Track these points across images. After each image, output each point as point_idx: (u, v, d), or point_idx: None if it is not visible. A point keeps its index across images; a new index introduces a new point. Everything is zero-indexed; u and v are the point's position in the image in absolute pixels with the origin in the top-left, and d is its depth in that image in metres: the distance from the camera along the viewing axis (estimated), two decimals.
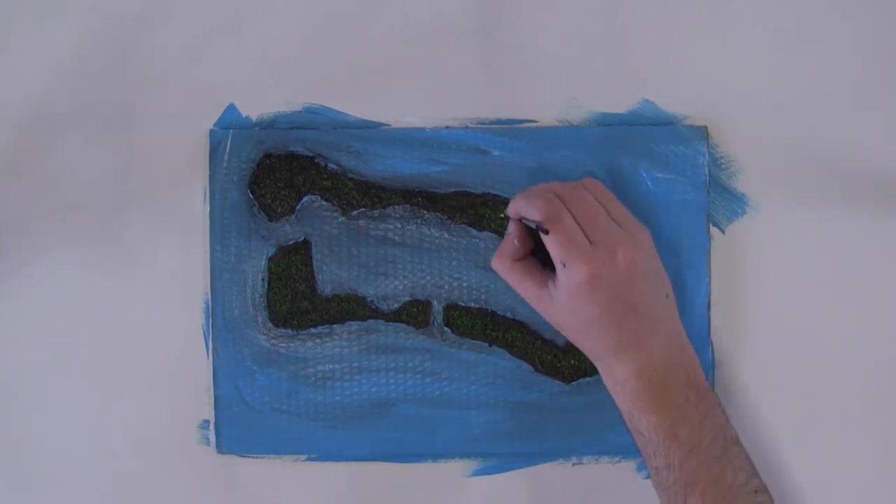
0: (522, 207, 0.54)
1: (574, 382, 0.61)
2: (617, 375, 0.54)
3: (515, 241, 0.56)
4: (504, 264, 0.56)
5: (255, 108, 0.61)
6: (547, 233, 0.52)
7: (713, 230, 0.61)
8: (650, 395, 0.53)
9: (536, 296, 0.55)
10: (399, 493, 0.61)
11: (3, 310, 0.61)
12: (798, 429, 0.61)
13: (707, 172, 0.60)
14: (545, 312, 0.55)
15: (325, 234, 0.61)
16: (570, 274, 0.52)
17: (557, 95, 0.61)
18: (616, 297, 0.53)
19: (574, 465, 0.61)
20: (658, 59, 0.61)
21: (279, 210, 0.61)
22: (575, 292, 0.53)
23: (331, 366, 0.61)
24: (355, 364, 0.61)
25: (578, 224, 0.53)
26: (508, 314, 0.61)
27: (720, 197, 0.61)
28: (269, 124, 0.61)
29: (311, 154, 0.61)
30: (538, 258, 0.56)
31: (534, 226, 0.54)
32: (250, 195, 0.61)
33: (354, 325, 0.61)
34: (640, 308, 0.53)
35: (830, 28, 0.61)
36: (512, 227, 0.56)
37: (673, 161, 0.60)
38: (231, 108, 0.61)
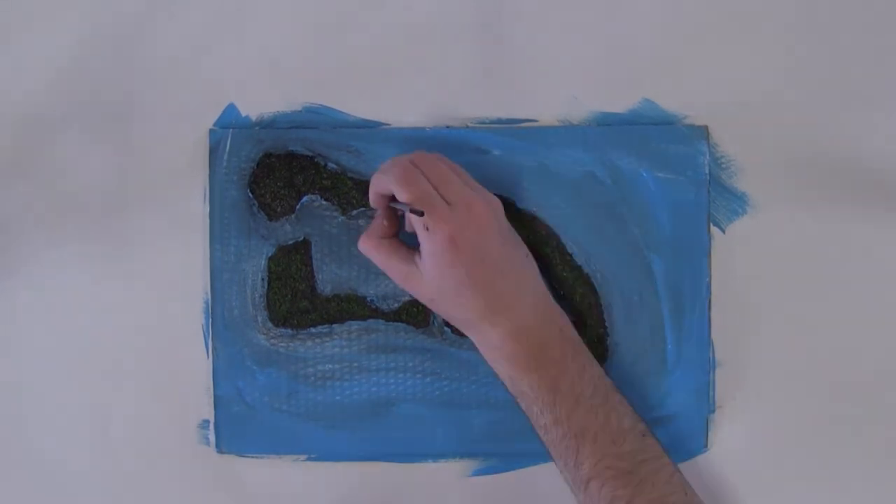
0: (382, 182, 0.55)
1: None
2: (492, 340, 0.55)
3: (384, 221, 0.57)
4: (370, 243, 0.56)
5: (254, 108, 0.61)
6: (421, 214, 0.53)
7: (714, 230, 0.61)
8: (529, 355, 0.54)
9: (404, 272, 0.55)
10: (399, 493, 0.61)
11: (2, 309, 0.61)
12: (798, 428, 0.61)
13: (707, 172, 0.60)
14: (415, 289, 0.56)
15: (324, 234, 0.61)
16: (433, 237, 0.53)
17: (558, 95, 0.61)
18: (480, 258, 0.53)
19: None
20: (659, 59, 0.61)
21: (279, 210, 0.60)
22: (440, 255, 0.53)
23: (331, 366, 0.61)
24: (355, 364, 0.61)
25: (434, 187, 0.54)
26: None
27: (721, 196, 0.61)
28: (268, 124, 0.61)
29: (310, 154, 0.61)
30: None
31: (401, 207, 0.54)
32: (250, 195, 0.61)
33: (354, 325, 0.61)
34: (504, 268, 0.54)
35: (831, 28, 0.61)
36: (380, 207, 0.57)
37: (673, 161, 0.60)
38: (231, 108, 0.61)
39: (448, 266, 0.53)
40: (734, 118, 0.61)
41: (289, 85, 0.61)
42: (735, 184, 0.61)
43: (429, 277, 0.54)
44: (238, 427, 0.61)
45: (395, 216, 0.57)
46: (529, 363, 0.54)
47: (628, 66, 0.61)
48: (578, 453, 0.53)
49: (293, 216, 0.61)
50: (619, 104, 0.61)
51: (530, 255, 0.57)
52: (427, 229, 0.53)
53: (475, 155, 0.60)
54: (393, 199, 0.56)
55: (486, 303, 0.54)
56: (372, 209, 0.58)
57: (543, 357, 0.54)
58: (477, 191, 0.55)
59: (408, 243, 0.57)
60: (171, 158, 0.61)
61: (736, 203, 0.61)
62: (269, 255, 0.61)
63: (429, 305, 0.56)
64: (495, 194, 0.60)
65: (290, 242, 0.61)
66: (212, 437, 0.61)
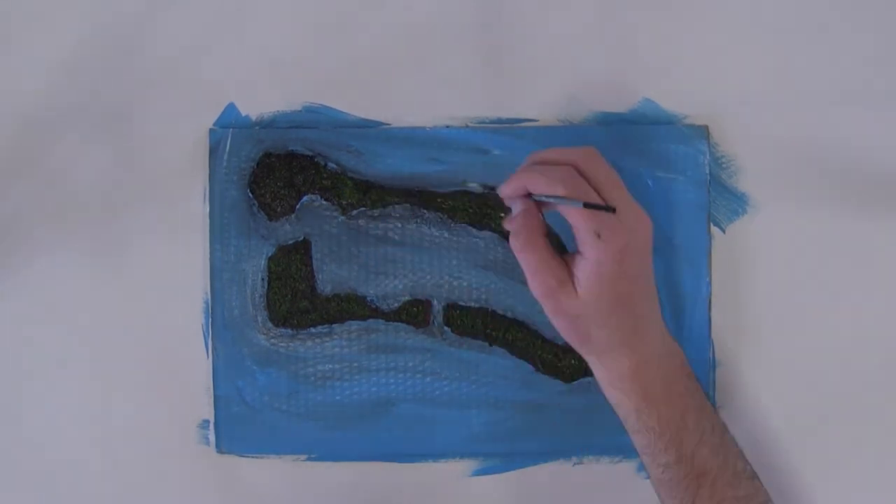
0: (538, 182, 0.50)
1: (574, 382, 0.61)
2: (626, 369, 0.52)
3: (540, 215, 0.51)
4: (533, 243, 0.50)
5: (254, 108, 0.61)
6: (613, 211, 0.48)
7: (714, 229, 0.61)
8: (661, 385, 0.52)
9: (556, 282, 0.50)
10: (399, 493, 0.61)
11: (2, 309, 0.61)
12: (799, 428, 0.61)
13: (708, 172, 0.60)
14: (561, 301, 0.51)
15: (324, 234, 0.61)
16: (605, 245, 0.49)
17: (558, 95, 0.61)
18: (640, 277, 0.51)
19: (574, 465, 0.61)
20: (659, 59, 0.61)
21: (279, 209, 0.60)
22: (608, 266, 0.49)
23: (331, 365, 0.61)
24: (355, 364, 0.61)
25: (597, 192, 0.50)
26: (509, 313, 0.61)
27: (721, 196, 0.61)
28: (268, 123, 0.61)
29: (310, 153, 0.60)
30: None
31: (580, 205, 0.48)
32: (250, 194, 0.60)
33: (354, 325, 0.61)
34: (650, 293, 0.52)
35: (831, 27, 0.61)
36: (523, 205, 0.51)
37: (674, 160, 0.60)
38: (231, 108, 0.61)
39: (612, 279, 0.49)
40: (734, 118, 0.61)
41: (289, 84, 0.61)
42: (735, 184, 0.61)
43: (586, 290, 0.50)
44: (238, 427, 0.61)
45: (540, 213, 0.51)
46: (661, 396, 0.52)
47: (628, 66, 0.61)
48: (697, 496, 0.51)
49: (293, 216, 0.61)
50: (620, 104, 0.61)
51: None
52: (598, 236, 0.49)
53: (475, 154, 0.60)
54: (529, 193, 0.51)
55: (631, 326, 0.51)
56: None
57: (672, 390, 0.52)
58: (637, 205, 0.52)
59: None
60: (171, 158, 0.61)
61: (736, 203, 0.61)
62: (269, 254, 0.61)
63: (566, 323, 0.52)
64: (495, 193, 0.60)
65: (290, 242, 0.61)
66: (212, 437, 0.61)
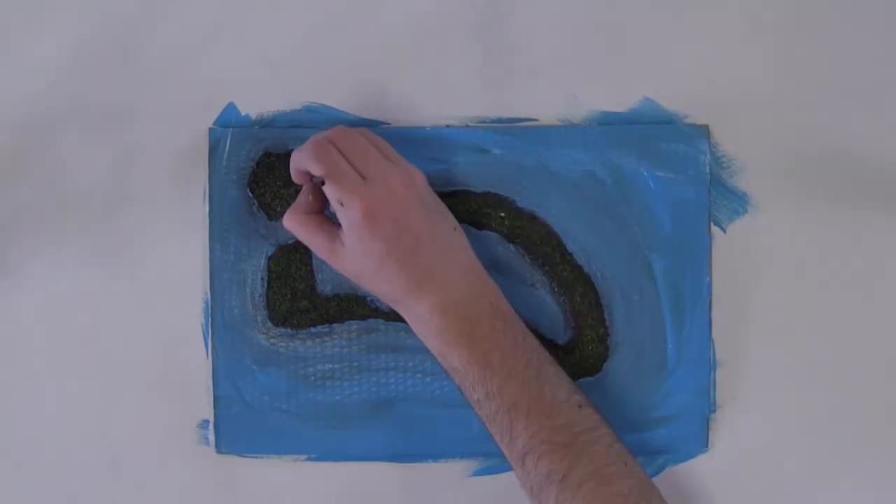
0: (298, 160, 0.55)
1: (575, 382, 0.60)
2: (420, 314, 0.54)
3: (308, 196, 0.57)
4: (295, 218, 0.56)
5: (254, 107, 0.61)
6: (322, 184, 0.54)
7: (714, 229, 0.61)
8: (458, 329, 0.54)
9: (328, 248, 0.55)
10: (399, 493, 0.61)
11: (1, 309, 0.61)
12: (799, 428, 0.61)
13: (708, 171, 0.60)
14: (340, 265, 0.55)
15: None
16: (348, 212, 0.53)
17: (558, 94, 0.61)
18: (399, 231, 0.53)
19: None
20: (659, 58, 0.61)
21: (279, 209, 0.60)
22: (357, 230, 0.53)
23: (331, 365, 0.61)
24: (355, 363, 0.61)
25: (351, 164, 0.54)
26: None
27: (721, 196, 0.61)
28: (268, 123, 0.61)
29: None
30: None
31: (318, 181, 0.55)
32: (250, 194, 0.60)
33: (354, 325, 0.61)
34: (426, 241, 0.54)
35: (832, 27, 0.61)
36: (304, 183, 0.57)
37: (674, 160, 0.60)
38: (230, 107, 0.61)
39: (367, 240, 0.53)
40: (735, 117, 0.60)
41: (289, 84, 0.61)
42: (736, 183, 0.61)
43: (350, 253, 0.54)
44: (238, 427, 0.61)
45: (320, 192, 0.56)
46: (459, 338, 0.54)
47: (629, 65, 0.61)
48: (513, 428, 0.53)
49: None
50: (620, 103, 0.61)
51: (459, 229, 0.57)
52: (342, 204, 0.53)
53: (475, 154, 0.60)
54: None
55: (409, 276, 0.54)
56: None
57: (473, 332, 0.54)
58: (397, 164, 0.55)
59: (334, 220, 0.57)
60: (171, 157, 0.61)
61: (737, 202, 0.61)
62: (269, 254, 0.61)
63: (356, 282, 0.56)
64: (496, 193, 0.60)
65: (290, 242, 0.60)
66: (211, 437, 0.61)
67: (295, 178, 0.57)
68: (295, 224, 0.56)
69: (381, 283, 0.55)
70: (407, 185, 0.54)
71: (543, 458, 0.52)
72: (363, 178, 0.53)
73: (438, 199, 0.57)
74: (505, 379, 0.53)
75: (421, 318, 0.55)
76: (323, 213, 0.57)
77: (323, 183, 0.54)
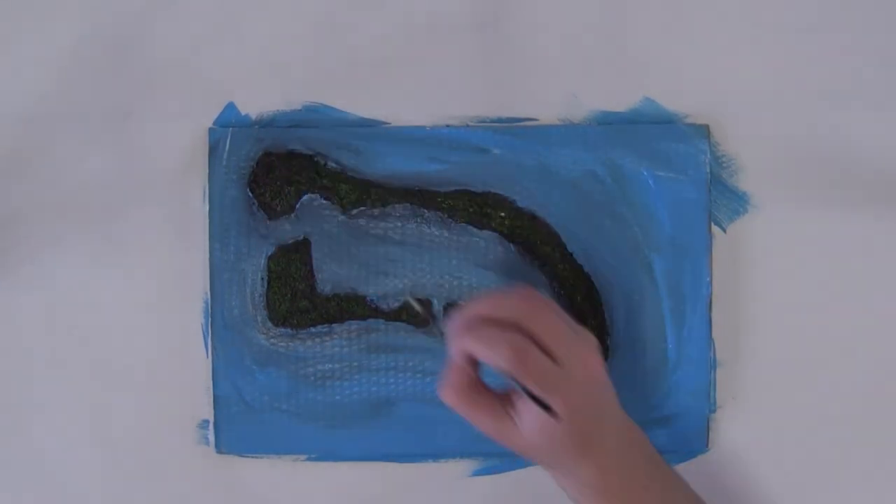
0: (484, 354, 0.50)
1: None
2: (585, 478, 0.52)
3: (466, 367, 0.51)
4: (459, 398, 0.51)
5: (254, 107, 0.61)
6: (546, 409, 0.49)
7: (715, 229, 0.60)
8: (621, 485, 0.52)
9: (496, 428, 0.51)
10: (399, 493, 0.61)
11: (1, 309, 0.61)
12: (800, 428, 0.60)
13: (709, 171, 0.60)
14: (507, 442, 0.52)
15: (324, 233, 0.60)
16: (540, 413, 0.50)
17: (558, 93, 0.60)
18: (592, 416, 0.51)
19: None
20: (660, 57, 0.61)
21: (279, 209, 0.60)
22: (554, 425, 0.50)
23: (331, 365, 0.61)
24: (355, 363, 0.61)
25: (546, 349, 0.50)
26: None
27: (722, 196, 0.60)
28: (268, 122, 0.61)
29: (310, 152, 0.60)
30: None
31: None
32: (249, 194, 0.60)
33: (354, 325, 0.61)
34: (604, 403, 0.52)
35: (833, 26, 0.60)
36: (457, 355, 0.51)
37: (674, 159, 0.60)
38: (230, 107, 0.61)
39: (560, 434, 0.50)
40: (735, 117, 0.60)
41: (288, 83, 0.61)
42: (736, 183, 0.61)
43: (528, 437, 0.50)
44: (238, 427, 0.61)
45: (473, 359, 0.52)
46: (621, 495, 0.52)
47: (629, 65, 0.60)
48: None
49: (293, 215, 0.60)
50: (620, 103, 0.60)
51: (609, 382, 0.54)
52: (546, 408, 0.50)
53: (475, 154, 0.60)
54: None
55: (583, 445, 0.51)
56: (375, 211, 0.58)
57: (633, 486, 0.52)
58: (581, 336, 0.52)
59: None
60: (171, 157, 0.61)
61: (737, 202, 0.61)
62: (269, 254, 0.61)
63: (521, 454, 0.53)
64: (496, 192, 0.60)
65: (290, 241, 0.60)
66: (211, 437, 0.61)
67: (457, 358, 0.51)
68: (459, 403, 0.51)
69: (552, 458, 0.52)
70: (601, 365, 0.51)
71: None
72: (554, 358, 0.49)
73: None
74: None
75: (583, 480, 0.52)
76: (483, 384, 0.52)
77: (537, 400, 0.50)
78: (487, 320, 0.50)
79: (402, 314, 0.60)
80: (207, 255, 0.60)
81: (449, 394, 0.51)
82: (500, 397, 0.52)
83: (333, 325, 0.61)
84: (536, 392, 0.49)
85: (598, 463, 0.52)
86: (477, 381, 0.52)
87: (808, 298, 0.60)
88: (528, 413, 0.50)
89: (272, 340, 0.61)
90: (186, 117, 0.60)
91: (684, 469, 0.60)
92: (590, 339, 0.53)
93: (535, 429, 0.50)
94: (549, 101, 0.60)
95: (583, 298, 0.60)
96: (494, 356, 0.49)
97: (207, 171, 0.60)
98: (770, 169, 0.60)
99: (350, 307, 0.61)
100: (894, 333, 0.60)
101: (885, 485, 0.61)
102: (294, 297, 0.61)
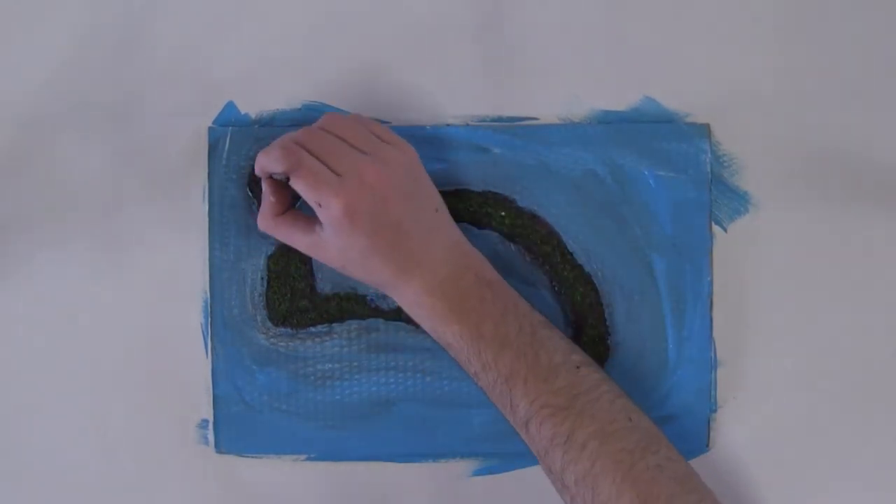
0: (265, 164, 0.54)
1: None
2: (410, 297, 0.55)
3: (272, 198, 0.56)
4: (268, 222, 0.56)
5: (253, 106, 0.61)
6: (287, 180, 0.53)
7: (715, 228, 0.60)
8: (446, 306, 0.54)
9: (308, 242, 0.55)
10: (399, 493, 0.61)
11: (0, 309, 0.61)
12: (800, 428, 0.60)
13: (709, 170, 0.60)
14: (322, 257, 0.55)
15: None
16: (326, 212, 0.53)
17: (559, 93, 0.60)
18: (379, 224, 0.53)
19: None
20: (660, 57, 0.60)
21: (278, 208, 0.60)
22: (338, 227, 0.53)
23: (330, 365, 0.60)
24: (355, 363, 0.60)
25: (322, 161, 0.53)
26: None
27: (722, 195, 0.60)
28: (268, 122, 0.61)
29: None
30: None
31: (281, 178, 0.54)
32: (249, 193, 0.60)
33: (354, 324, 0.60)
34: (407, 227, 0.54)
35: (833, 27, 0.60)
36: (265, 185, 0.56)
37: (675, 159, 0.60)
38: (230, 106, 0.60)
39: (347, 236, 0.53)
40: (736, 116, 0.60)
41: (288, 83, 0.60)
42: (737, 182, 0.60)
43: (332, 247, 0.54)
44: (237, 427, 0.61)
45: (285, 192, 0.56)
46: (450, 314, 0.54)
47: (630, 64, 0.60)
48: (512, 396, 0.53)
49: None
50: (621, 102, 0.60)
51: (442, 206, 0.56)
52: (320, 205, 0.53)
53: (475, 153, 0.60)
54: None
55: (395, 265, 0.54)
56: None
57: (462, 306, 0.54)
58: (376, 151, 0.54)
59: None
60: (170, 157, 0.61)
61: (738, 202, 0.60)
62: (269, 253, 0.60)
63: (341, 272, 0.56)
64: (496, 192, 0.60)
65: None
66: (211, 437, 0.61)
67: (261, 178, 0.56)
68: (269, 227, 0.56)
69: (367, 274, 0.55)
70: (380, 175, 0.53)
71: (545, 423, 0.52)
72: (337, 174, 0.53)
73: (423, 178, 0.56)
74: (499, 349, 0.53)
75: (410, 300, 0.55)
76: (294, 209, 0.57)
77: (288, 180, 0.54)
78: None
79: (402, 314, 0.60)
80: (207, 255, 0.60)
81: (261, 221, 0.56)
82: (312, 219, 0.55)
83: (333, 324, 0.60)
84: (309, 192, 0.52)
85: (418, 281, 0.54)
86: (284, 207, 0.56)
87: (808, 297, 0.60)
88: (320, 216, 0.53)
89: (272, 340, 0.61)
90: (186, 116, 0.60)
91: None
92: (386, 156, 0.54)
93: (329, 236, 0.54)
94: (549, 100, 0.60)
95: (583, 298, 0.60)
96: (271, 161, 0.53)
97: (207, 170, 0.60)
98: (771, 168, 0.60)
99: (350, 307, 0.60)
100: (895, 333, 0.60)
101: (885, 484, 0.61)
102: (294, 296, 0.60)
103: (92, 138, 0.61)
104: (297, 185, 0.53)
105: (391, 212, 0.53)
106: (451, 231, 0.57)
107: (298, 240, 0.56)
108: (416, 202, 0.55)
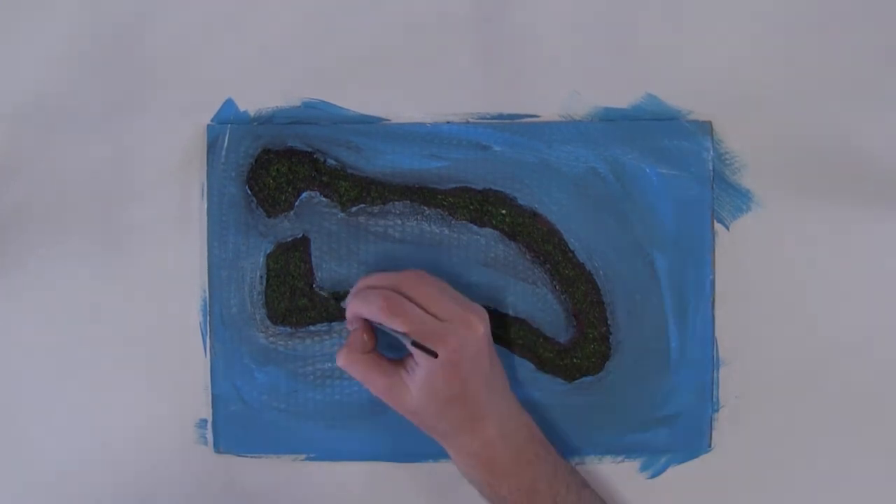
0: (363, 310, 0.54)
1: (576, 381, 0.60)
2: (473, 447, 0.55)
3: (363, 336, 0.56)
4: (349, 359, 0.56)
5: (252, 103, 0.60)
6: (435, 355, 0.52)
7: (717, 226, 0.60)
8: (507, 459, 0.55)
9: (386, 384, 0.55)
10: (399, 493, 0.61)
11: (0, 308, 0.61)
12: (802, 427, 0.60)
13: (711, 168, 0.60)
14: (396, 400, 0.55)
15: (324, 231, 0.60)
16: (429, 361, 0.53)
17: (560, 90, 0.60)
18: (475, 373, 0.54)
19: (576, 464, 0.60)
20: (662, 54, 0.60)
21: (277, 206, 0.60)
22: (438, 373, 0.53)
23: (330, 364, 0.60)
24: None
25: (423, 308, 0.53)
26: (509, 311, 0.60)
27: (724, 193, 0.60)
28: (267, 119, 0.60)
29: (309, 149, 0.60)
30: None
31: (389, 330, 0.53)
32: (248, 191, 0.60)
33: None
34: (490, 378, 0.55)
35: (835, 25, 0.60)
36: (357, 322, 0.56)
37: (677, 156, 0.60)
38: (229, 103, 0.60)
39: (444, 382, 0.53)
40: (738, 114, 0.60)
41: (287, 80, 0.60)
42: (739, 180, 0.60)
43: (417, 392, 0.54)
44: (236, 426, 0.60)
45: (373, 331, 0.56)
46: (509, 467, 0.55)
47: (631, 61, 0.60)
48: None
49: (292, 213, 0.60)
50: (622, 99, 0.60)
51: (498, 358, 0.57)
52: (417, 346, 0.52)
53: (476, 151, 0.60)
54: None
55: (468, 413, 0.54)
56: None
57: (520, 459, 0.55)
58: (466, 305, 0.55)
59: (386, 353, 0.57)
60: (169, 154, 0.60)
61: (740, 200, 0.60)
62: (268, 252, 0.60)
63: (408, 416, 0.56)
64: (497, 190, 0.60)
65: (289, 239, 0.60)
66: (209, 437, 0.61)
67: (350, 321, 0.56)
68: (349, 364, 0.56)
69: (440, 421, 0.55)
70: (484, 328, 0.54)
71: None
72: (440, 320, 0.53)
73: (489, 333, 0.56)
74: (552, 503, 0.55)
75: (472, 451, 0.55)
76: (377, 351, 0.56)
77: (429, 351, 0.52)
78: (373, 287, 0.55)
79: None
80: (206, 253, 0.60)
81: (340, 357, 0.56)
82: (395, 362, 0.56)
83: (333, 323, 0.60)
84: (415, 336, 0.52)
85: (483, 435, 0.55)
86: (371, 348, 0.56)
87: (811, 296, 0.60)
88: (414, 363, 0.54)
89: (271, 339, 0.60)
90: (185, 114, 0.60)
91: (686, 468, 0.59)
92: (477, 310, 0.55)
93: (422, 379, 0.53)
94: (550, 98, 0.60)
95: (584, 297, 0.60)
96: (370, 307, 0.53)
97: (206, 168, 0.60)
98: (773, 166, 0.60)
99: None
100: None
101: (886, 484, 0.60)
102: (293, 295, 0.60)
103: (91, 136, 0.60)
104: (401, 326, 0.53)
105: (485, 362, 0.54)
106: (505, 383, 0.57)
107: (375, 379, 0.55)
108: (495, 355, 0.56)
